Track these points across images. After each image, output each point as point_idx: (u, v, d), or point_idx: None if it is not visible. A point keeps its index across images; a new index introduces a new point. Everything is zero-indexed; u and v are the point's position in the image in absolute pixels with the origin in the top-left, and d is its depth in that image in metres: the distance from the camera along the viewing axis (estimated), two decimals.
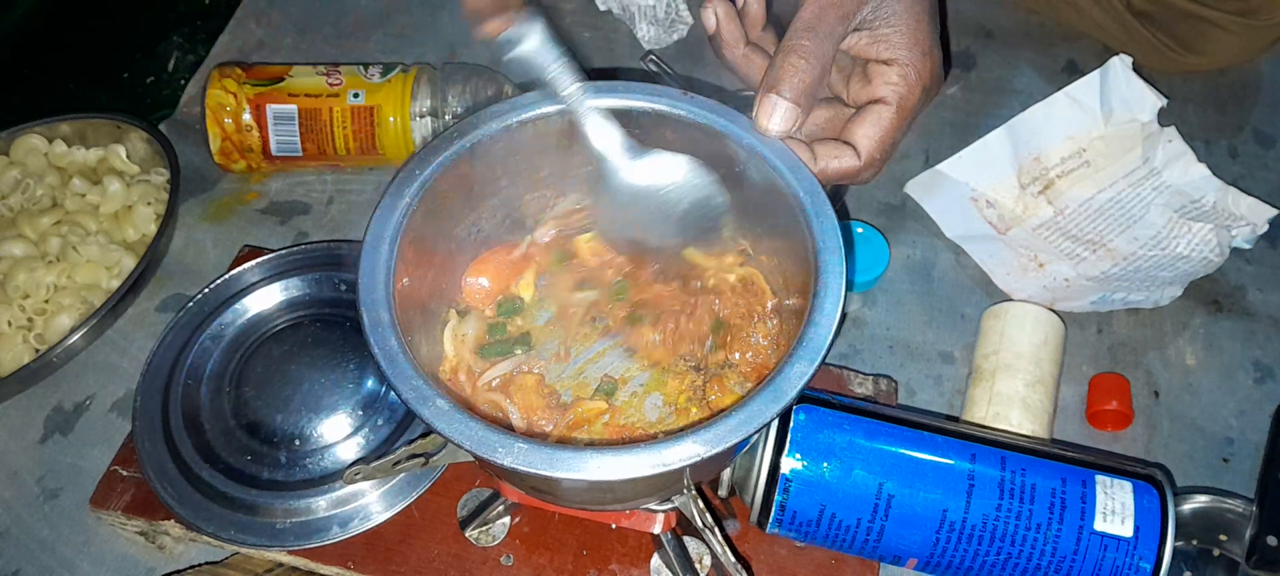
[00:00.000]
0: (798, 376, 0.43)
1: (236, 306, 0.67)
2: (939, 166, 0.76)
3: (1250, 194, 0.73)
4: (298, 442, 0.60)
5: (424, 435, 0.52)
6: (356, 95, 0.76)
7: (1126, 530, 0.50)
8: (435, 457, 0.51)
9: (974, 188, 0.76)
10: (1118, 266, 0.72)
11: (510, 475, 0.52)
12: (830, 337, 0.45)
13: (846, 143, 0.54)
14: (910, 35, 0.53)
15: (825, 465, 0.51)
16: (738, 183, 0.54)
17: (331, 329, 0.65)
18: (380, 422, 0.61)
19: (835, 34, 0.52)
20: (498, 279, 0.58)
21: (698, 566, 0.56)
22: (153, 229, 0.75)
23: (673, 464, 0.41)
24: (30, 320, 0.70)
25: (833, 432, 0.52)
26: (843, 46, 0.54)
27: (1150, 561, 0.49)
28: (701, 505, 0.52)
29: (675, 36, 0.89)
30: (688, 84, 0.56)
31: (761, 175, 0.52)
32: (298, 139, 0.77)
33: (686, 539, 0.56)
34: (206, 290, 0.68)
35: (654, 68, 0.78)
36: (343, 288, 0.68)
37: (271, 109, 0.76)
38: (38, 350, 0.68)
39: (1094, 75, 0.76)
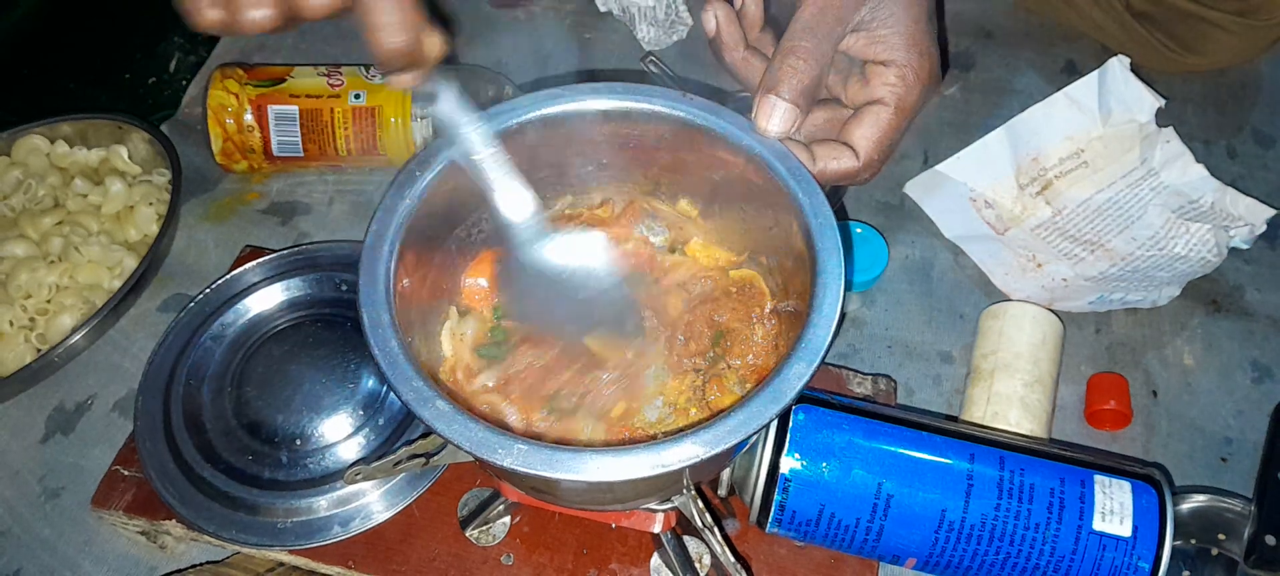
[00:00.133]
0: (797, 377, 0.43)
1: (238, 306, 0.67)
2: (938, 167, 0.76)
3: (1249, 194, 0.73)
4: (299, 442, 0.61)
5: (424, 435, 0.52)
6: (358, 96, 0.77)
7: (1125, 530, 0.50)
8: (435, 458, 0.52)
9: (973, 188, 0.76)
10: (1116, 266, 0.72)
11: (510, 475, 0.53)
12: (829, 338, 0.45)
13: (845, 144, 0.54)
14: (908, 36, 0.53)
15: (824, 465, 0.51)
16: (737, 184, 0.54)
17: (332, 329, 0.65)
18: (381, 423, 0.62)
19: (834, 35, 0.52)
20: (497, 280, 0.58)
21: (697, 566, 0.56)
22: (154, 229, 0.75)
23: (672, 464, 0.41)
24: (32, 320, 0.70)
25: (832, 432, 0.52)
26: (841, 48, 0.54)
27: (1149, 561, 0.50)
28: (701, 505, 0.52)
29: (675, 38, 0.89)
30: (687, 85, 0.56)
31: (760, 176, 0.52)
32: (299, 139, 0.77)
33: (686, 538, 0.57)
34: (208, 290, 0.68)
35: (654, 69, 0.79)
36: (344, 288, 0.68)
37: (273, 109, 0.76)
38: (39, 350, 0.69)
39: (1093, 76, 0.76)
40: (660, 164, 0.57)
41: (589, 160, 0.57)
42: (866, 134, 0.54)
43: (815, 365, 0.44)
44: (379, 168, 0.80)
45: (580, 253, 0.51)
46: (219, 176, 0.81)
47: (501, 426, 0.43)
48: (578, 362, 0.55)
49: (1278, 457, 0.60)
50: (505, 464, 0.41)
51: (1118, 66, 0.75)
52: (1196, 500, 0.60)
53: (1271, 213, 0.72)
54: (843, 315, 0.46)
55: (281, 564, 0.59)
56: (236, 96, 0.76)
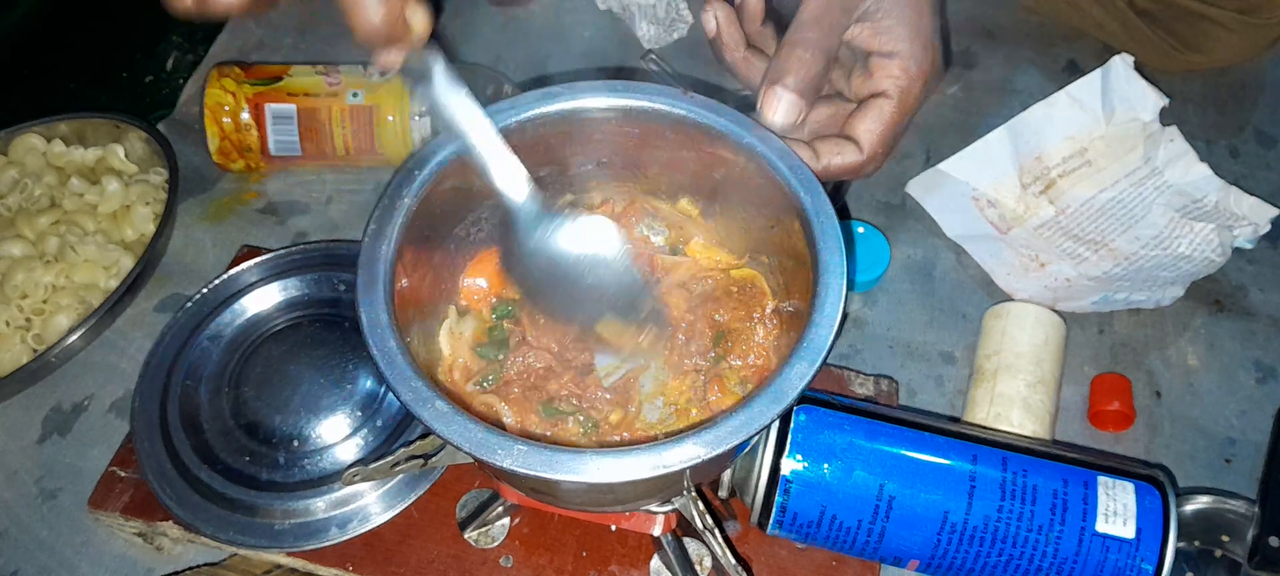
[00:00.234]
0: (798, 377, 0.43)
1: (235, 306, 0.67)
2: (940, 166, 0.76)
3: (1252, 193, 0.73)
4: (296, 443, 0.60)
5: (423, 436, 0.52)
6: (356, 95, 0.76)
7: (1128, 531, 0.50)
8: (434, 459, 0.51)
9: (975, 187, 0.76)
10: (1119, 266, 0.72)
11: (510, 476, 0.52)
12: (831, 339, 0.44)
13: (848, 137, 0.54)
14: (912, 27, 0.53)
15: (826, 466, 0.51)
16: (738, 183, 0.54)
17: (330, 329, 0.65)
18: (379, 423, 0.61)
19: (839, 26, 0.52)
20: (495, 280, 0.58)
21: (698, 568, 0.56)
22: (151, 228, 0.75)
23: (673, 465, 0.41)
24: (28, 320, 0.69)
25: (833, 433, 0.52)
26: (844, 38, 0.54)
27: (1152, 562, 0.49)
28: (702, 506, 0.52)
29: (675, 35, 0.89)
30: (687, 83, 0.56)
31: (761, 175, 0.51)
32: (297, 138, 0.77)
33: (687, 540, 0.56)
34: (205, 290, 0.68)
35: (654, 67, 0.78)
36: (342, 288, 0.68)
37: (270, 108, 0.76)
38: (36, 350, 0.68)
39: (1095, 74, 0.76)
40: (660, 163, 0.57)
41: (589, 159, 0.57)
42: (870, 127, 0.54)
43: (817, 365, 0.44)
44: (377, 167, 0.80)
45: (587, 237, 0.49)
46: (216, 175, 0.81)
47: (499, 427, 0.43)
48: (577, 365, 0.55)
49: None
50: (505, 465, 0.41)
51: (1121, 65, 0.75)
52: (1200, 501, 0.59)
53: (1275, 212, 0.72)
54: (844, 315, 0.46)
55: (279, 565, 0.59)
56: (234, 95, 0.76)
